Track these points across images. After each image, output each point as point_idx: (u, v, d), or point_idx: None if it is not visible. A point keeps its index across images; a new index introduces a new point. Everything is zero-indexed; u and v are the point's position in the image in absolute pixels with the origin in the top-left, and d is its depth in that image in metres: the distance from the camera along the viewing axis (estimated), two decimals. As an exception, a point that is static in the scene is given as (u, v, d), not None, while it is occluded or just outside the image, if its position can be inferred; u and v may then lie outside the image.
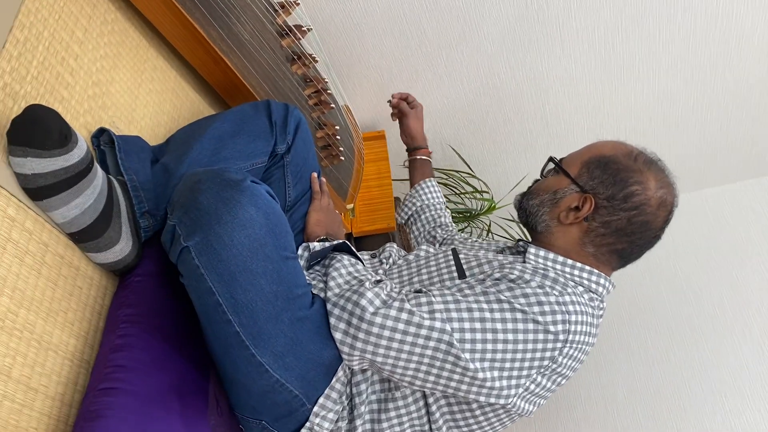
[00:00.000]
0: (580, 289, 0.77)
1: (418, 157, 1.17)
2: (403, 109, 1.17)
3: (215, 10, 0.91)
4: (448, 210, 1.16)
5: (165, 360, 0.66)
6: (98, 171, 0.66)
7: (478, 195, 1.80)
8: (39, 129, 0.56)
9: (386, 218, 1.54)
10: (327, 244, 0.83)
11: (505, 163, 1.93)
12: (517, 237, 1.76)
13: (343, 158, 1.31)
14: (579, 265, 0.79)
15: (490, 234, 1.91)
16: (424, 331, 0.67)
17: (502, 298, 0.70)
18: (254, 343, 0.64)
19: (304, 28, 1.12)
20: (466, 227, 1.87)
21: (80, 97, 0.73)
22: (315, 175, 0.99)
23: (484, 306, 0.69)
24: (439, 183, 1.21)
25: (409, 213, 1.15)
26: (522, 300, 0.69)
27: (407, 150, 1.20)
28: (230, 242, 0.60)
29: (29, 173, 0.57)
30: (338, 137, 1.26)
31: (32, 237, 0.59)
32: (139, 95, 0.87)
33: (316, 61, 1.17)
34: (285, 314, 0.65)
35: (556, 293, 0.71)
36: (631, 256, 0.81)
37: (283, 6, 1.08)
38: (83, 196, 0.62)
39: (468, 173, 1.81)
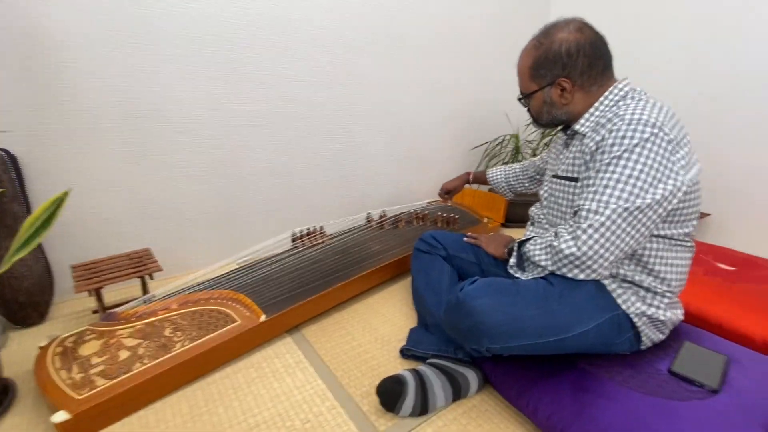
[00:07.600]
0: (621, 103, 0.93)
1: (470, 177, 1.62)
2: (444, 198, 1.66)
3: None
4: (519, 163, 1.52)
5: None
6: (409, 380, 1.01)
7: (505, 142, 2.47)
8: (391, 397, 0.97)
9: (498, 205, 2.27)
10: (513, 253, 1.08)
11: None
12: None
13: (458, 216, 2.01)
14: (602, 96, 0.97)
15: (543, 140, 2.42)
16: (607, 222, 0.83)
17: (614, 155, 0.85)
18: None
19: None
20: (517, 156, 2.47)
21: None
22: (465, 239, 1.31)
23: (615, 169, 0.85)
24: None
25: (507, 190, 1.53)
26: (626, 141, 0.84)
27: (470, 183, 1.63)
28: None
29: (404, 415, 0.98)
30: (442, 214, 1.98)
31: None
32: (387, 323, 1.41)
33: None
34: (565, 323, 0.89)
35: (627, 119, 0.86)
36: (606, 59, 0.97)
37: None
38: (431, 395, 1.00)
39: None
